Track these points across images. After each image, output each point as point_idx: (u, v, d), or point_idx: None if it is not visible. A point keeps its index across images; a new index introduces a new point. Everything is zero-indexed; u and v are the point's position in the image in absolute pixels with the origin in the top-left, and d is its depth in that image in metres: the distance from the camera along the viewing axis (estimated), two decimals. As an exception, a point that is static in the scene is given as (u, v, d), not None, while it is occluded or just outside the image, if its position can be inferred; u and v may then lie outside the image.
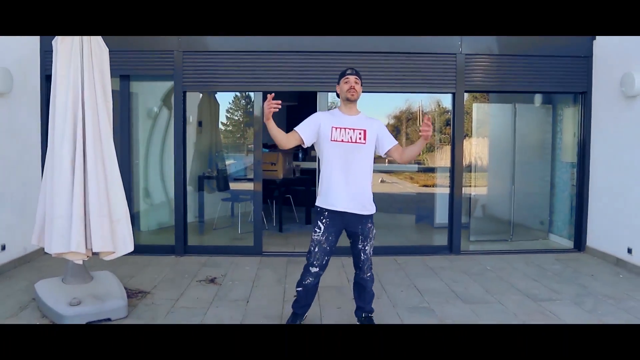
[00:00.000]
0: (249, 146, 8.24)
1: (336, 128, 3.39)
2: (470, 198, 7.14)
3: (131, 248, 3.89)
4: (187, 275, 5.18)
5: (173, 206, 6.12)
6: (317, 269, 3.46)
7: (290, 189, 8.37)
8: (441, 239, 6.54)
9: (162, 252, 6.03)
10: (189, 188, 6.62)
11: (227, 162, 8.75)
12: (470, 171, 7.29)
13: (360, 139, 3.39)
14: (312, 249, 3.47)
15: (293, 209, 8.39)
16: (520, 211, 7.08)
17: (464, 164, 6.38)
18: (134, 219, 6.59)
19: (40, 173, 5.80)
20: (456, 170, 6.21)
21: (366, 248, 3.53)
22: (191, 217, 7.04)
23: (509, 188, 7.07)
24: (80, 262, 3.66)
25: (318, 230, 3.44)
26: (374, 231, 3.57)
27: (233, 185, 8.29)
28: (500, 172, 7.20)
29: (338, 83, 3.55)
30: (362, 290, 3.67)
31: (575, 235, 6.45)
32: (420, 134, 3.26)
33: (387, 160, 9.46)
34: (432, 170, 8.57)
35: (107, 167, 3.59)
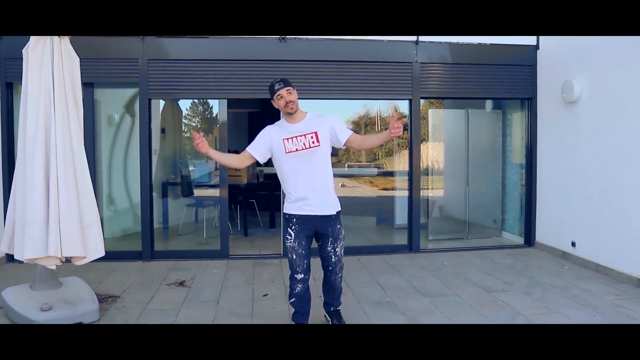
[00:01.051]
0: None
1: (288, 139, 3.43)
2: (428, 200, 7.46)
3: (102, 253, 3.97)
4: (155, 279, 5.27)
5: (137, 212, 6.19)
6: (302, 274, 3.52)
7: (254, 194, 8.52)
8: (401, 239, 6.83)
9: (129, 258, 6.09)
10: (153, 194, 6.70)
11: (190, 169, 8.82)
12: (428, 174, 7.61)
13: (313, 142, 3.42)
14: (290, 257, 3.52)
15: (257, 213, 8.54)
16: (475, 211, 7.45)
17: (421, 167, 6.70)
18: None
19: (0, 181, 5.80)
20: (414, 173, 6.52)
21: (336, 249, 3.59)
22: (155, 223, 7.07)
23: (463, 189, 7.44)
24: (54, 267, 3.72)
25: (289, 237, 3.51)
26: (343, 232, 3.66)
27: (197, 192, 8.37)
28: (455, 174, 7.55)
29: (272, 99, 3.52)
30: (332, 290, 3.79)
31: (525, 232, 6.87)
32: (391, 131, 3.33)
33: (346, 164, 9.78)
34: (391, 174, 8.87)
35: (79, 173, 3.68)
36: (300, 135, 3.43)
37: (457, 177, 7.52)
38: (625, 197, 5.12)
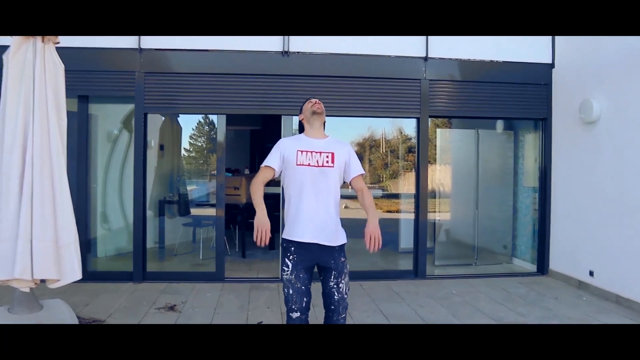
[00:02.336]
0: (212, 172, 8.08)
1: (302, 152, 3.13)
2: (434, 223, 7.14)
3: (79, 276, 3.64)
4: (145, 303, 4.95)
5: (132, 231, 5.90)
6: (298, 313, 3.07)
7: (254, 214, 8.20)
8: (406, 264, 6.49)
9: (120, 279, 5.79)
10: (149, 213, 6.41)
11: (189, 187, 8.56)
12: (435, 197, 7.30)
13: (327, 162, 3.12)
14: (287, 291, 3.10)
15: (257, 234, 8.21)
16: (484, 236, 7.11)
17: (428, 189, 6.39)
18: (90, 244, 6.33)
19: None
20: (421, 195, 6.21)
21: (340, 285, 3.15)
22: (151, 242, 6.81)
23: (472, 213, 7.11)
24: (27, 290, 3.42)
25: (286, 269, 3.10)
26: (348, 267, 3.23)
27: (195, 210, 8.08)
28: (463, 197, 7.24)
29: (301, 112, 3.35)
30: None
31: (538, 259, 6.51)
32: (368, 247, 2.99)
33: (350, 187, 9.50)
34: (396, 196, 8.57)
35: (56, 189, 3.38)
36: (316, 152, 3.14)
37: (466, 200, 7.20)
38: (647, 224, 4.79)
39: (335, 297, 3.14)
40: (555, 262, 6.28)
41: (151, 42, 5.69)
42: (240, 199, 7.68)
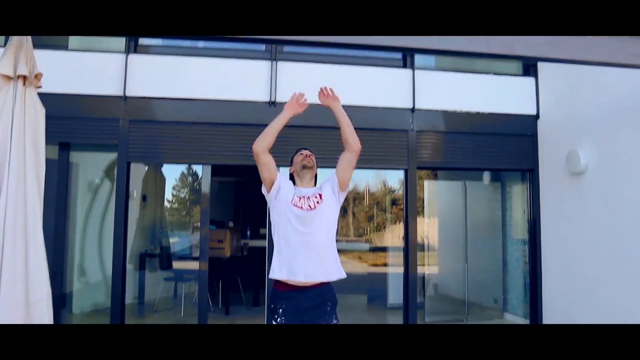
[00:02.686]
0: (195, 224, 7.88)
1: (297, 196, 3.12)
2: (423, 277, 6.98)
3: (51, 333, 3.41)
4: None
5: (110, 285, 5.63)
6: None
7: (238, 268, 7.97)
8: (395, 319, 6.29)
9: (95, 337, 5.46)
10: (129, 266, 6.17)
11: (171, 239, 8.33)
12: (423, 250, 7.18)
13: (318, 202, 3.11)
14: None
15: (240, 289, 7.96)
16: (475, 290, 6.96)
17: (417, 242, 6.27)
18: (66, 299, 6.04)
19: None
20: (410, 248, 6.06)
21: None
22: (130, 297, 6.53)
23: (462, 266, 6.98)
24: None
25: None
26: None
27: (177, 264, 7.83)
28: (452, 250, 7.13)
29: (291, 164, 3.35)
30: None
31: (531, 314, 6.33)
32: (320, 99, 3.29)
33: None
34: (382, 249, 8.43)
35: (30, 241, 3.17)
36: (307, 197, 3.13)
37: (455, 253, 7.08)
38: (642, 277, 4.68)
39: None
40: (549, 317, 6.10)
41: (136, 89, 5.62)
42: (224, 252, 7.47)
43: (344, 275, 3.11)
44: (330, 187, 3.23)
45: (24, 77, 3.20)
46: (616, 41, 3.66)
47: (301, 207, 3.07)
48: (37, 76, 3.31)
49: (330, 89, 3.26)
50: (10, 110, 3.20)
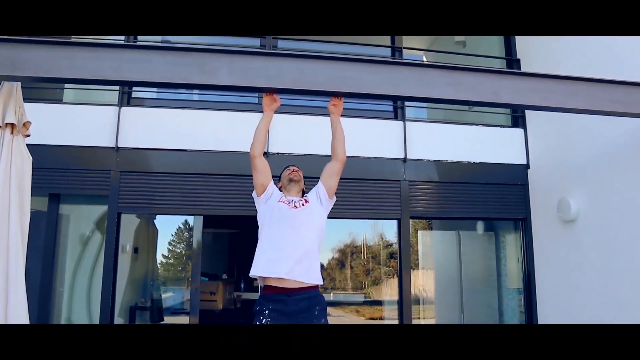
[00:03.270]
0: (189, 279, 7.78)
1: (286, 199, 3.26)
2: (419, 328, 6.84)
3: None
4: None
5: (97, 340, 5.49)
6: None
7: (231, 321, 7.82)
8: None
9: (79, 395, 5.28)
10: (119, 319, 6.04)
11: (165, 293, 8.19)
12: (418, 302, 7.07)
13: (303, 204, 3.22)
14: None
15: (233, 343, 7.76)
16: (471, 341, 6.80)
17: (411, 294, 6.18)
18: (51, 355, 5.87)
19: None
20: (404, 300, 5.98)
21: None
22: (118, 353, 6.35)
23: (457, 317, 6.85)
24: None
25: None
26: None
27: (170, 318, 7.67)
28: (447, 301, 7.02)
29: (279, 180, 3.50)
30: None
31: (529, 366, 6.17)
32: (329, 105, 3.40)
33: (332, 293, 9.25)
34: (379, 303, 8.31)
35: (11, 293, 3.12)
36: (294, 201, 3.26)
37: (451, 304, 6.97)
38: (640, 326, 4.59)
39: None
40: (548, 369, 5.95)
41: (128, 141, 5.68)
42: (217, 304, 7.35)
43: (321, 282, 3.12)
44: (315, 194, 3.34)
45: (12, 125, 3.23)
46: (597, 89, 3.75)
47: (287, 205, 3.18)
48: (26, 124, 3.34)
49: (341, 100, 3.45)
50: (-5, 159, 3.21)
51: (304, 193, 3.47)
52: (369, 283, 8.95)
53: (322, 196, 3.32)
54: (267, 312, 2.95)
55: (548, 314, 5.99)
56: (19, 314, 3.10)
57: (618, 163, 4.94)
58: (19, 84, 3.30)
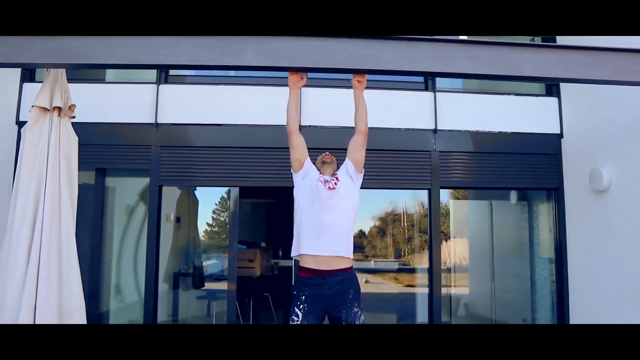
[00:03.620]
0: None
1: (323, 179, 3.45)
2: (450, 297, 6.99)
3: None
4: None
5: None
6: None
7: (269, 287, 8.16)
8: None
9: (129, 353, 5.72)
10: (165, 285, 6.45)
11: (207, 261, 8.59)
12: (450, 270, 7.20)
13: (336, 184, 3.40)
14: None
15: (271, 307, 8.12)
16: (502, 309, 6.93)
17: (443, 262, 6.32)
18: (102, 318, 6.33)
19: None
20: (434, 268, 6.13)
21: None
22: (164, 315, 6.77)
23: (489, 286, 6.97)
24: None
25: (296, 318, 3.15)
26: (362, 318, 3.25)
27: (212, 284, 8.07)
28: (480, 270, 7.13)
29: (314, 163, 3.67)
30: None
31: (559, 334, 6.26)
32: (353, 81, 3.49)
33: (372, 261, 9.45)
34: (414, 270, 8.47)
35: (64, 257, 3.45)
36: (328, 180, 3.45)
37: (482, 272, 7.08)
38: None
39: None
40: (577, 337, 6.03)
41: (167, 117, 5.95)
42: (255, 271, 7.67)
43: (352, 257, 3.34)
44: (344, 171, 3.52)
45: (59, 109, 3.51)
46: (623, 58, 3.72)
47: (324, 185, 3.37)
48: (71, 107, 3.62)
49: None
50: (46, 139, 3.51)
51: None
52: (408, 251, 9.11)
53: (350, 171, 3.50)
54: (303, 297, 3.17)
55: (578, 284, 6.03)
56: (72, 277, 3.44)
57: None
58: (64, 70, 3.56)
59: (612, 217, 5.41)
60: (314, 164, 3.65)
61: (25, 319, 3.21)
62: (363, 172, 3.58)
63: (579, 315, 6.00)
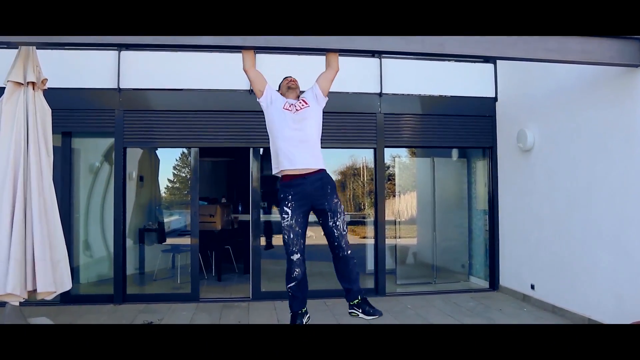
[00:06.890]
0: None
1: (288, 103, 3.81)
2: (395, 246, 7.64)
3: (69, 286, 4.15)
4: (124, 321, 5.40)
5: (113, 258, 6.35)
6: (299, 254, 3.62)
7: (229, 240, 8.68)
8: (370, 283, 7.00)
9: (101, 302, 6.22)
10: (130, 241, 6.87)
11: (170, 217, 8.99)
12: (396, 222, 7.82)
13: (302, 105, 3.80)
14: (287, 236, 3.63)
15: (232, 259, 8.69)
16: (443, 256, 7.66)
17: (390, 215, 6.97)
18: (73, 271, 6.72)
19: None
20: (379, 220, 6.79)
21: (337, 223, 3.69)
22: (131, 269, 7.22)
23: (431, 235, 7.67)
24: (17, 304, 3.90)
25: (286, 216, 3.61)
26: (342, 206, 3.75)
27: (175, 239, 8.51)
28: (423, 221, 7.81)
29: (279, 88, 4.02)
30: (345, 268, 3.81)
31: (490, 276, 7.07)
32: None
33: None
34: (363, 222, 9.10)
35: (50, 215, 3.90)
36: (293, 104, 3.81)
37: (425, 224, 7.77)
38: (575, 240, 5.38)
39: (335, 234, 3.69)
40: (504, 278, 6.85)
41: (129, 82, 6.26)
42: (216, 225, 8.16)
43: (324, 167, 3.81)
44: (312, 93, 3.92)
45: (33, 83, 3.86)
46: (533, 39, 4.25)
47: (290, 110, 3.77)
48: (44, 81, 3.97)
49: None
50: (23, 111, 3.87)
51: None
52: (368, 204, 9.70)
53: (317, 94, 3.90)
54: (290, 196, 3.65)
55: (507, 233, 6.81)
56: (57, 231, 3.92)
57: (567, 98, 5.52)
58: (34, 47, 3.89)
59: (534, 173, 6.12)
60: (279, 89, 4.02)
61: (13, 270, 3.65)
62: (327, 99, 4.00)
63: (506, 259, 6.80)
